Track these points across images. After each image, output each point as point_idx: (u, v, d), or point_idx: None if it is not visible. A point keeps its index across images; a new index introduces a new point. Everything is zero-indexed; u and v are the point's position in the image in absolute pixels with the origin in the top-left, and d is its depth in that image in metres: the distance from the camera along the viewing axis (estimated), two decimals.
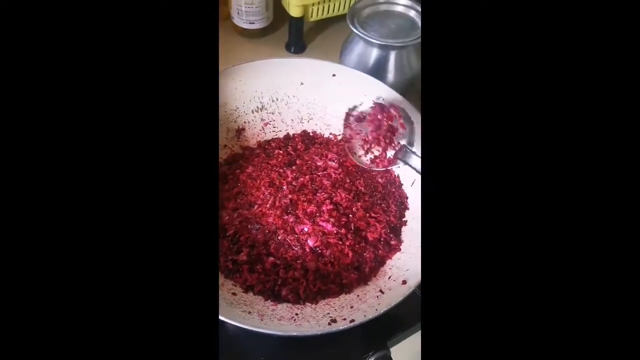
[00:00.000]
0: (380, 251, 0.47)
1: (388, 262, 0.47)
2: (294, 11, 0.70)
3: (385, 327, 0.47)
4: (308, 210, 0.47)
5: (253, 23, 0.73)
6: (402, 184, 0.52)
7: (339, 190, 0.49)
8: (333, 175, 0.50)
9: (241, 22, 0.73)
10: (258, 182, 0.49)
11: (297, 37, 0.74)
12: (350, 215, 0.47)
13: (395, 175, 0.53)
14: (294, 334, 0.38)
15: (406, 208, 0.51)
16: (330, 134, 0.56)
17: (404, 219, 0.50)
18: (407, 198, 0.52)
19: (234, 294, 0.43)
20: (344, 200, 0.48)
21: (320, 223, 0.46)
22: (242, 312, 0.41)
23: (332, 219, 0.46)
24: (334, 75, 0.53)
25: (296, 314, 0.42)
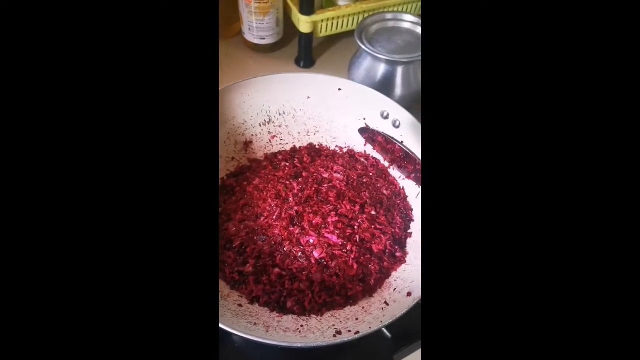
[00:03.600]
0: (385, 263, 0.47)
1: (393, 273, 0.47)
2: (304, 27, 0.72)
3: (392, 341, 0.47)
4: (313, 221, 0.47)
5: (263, 38, 0.75)
6: (407, 196, 0.53)
7: (344, 202, 0.49)
8: (338, 186, 0.50)
9: (252, 37, 0.75)
10: (264, 193, 0.50)
11: (306, 52, 0.76)
12: (356, 227, 0.48)
13: (400, 187, 0.54)
14: (299, 345, 0.38)
15: (411, 220, 0.51)
16: (336, 146, 0.57)
17: (408, 231, 0.50)
18: (411, 210, 0.52)
19: (239, 305, 0.44)
20: (349, 211, 0.48)
21: (326, 234, 0.47)
22: (247, 322, 0.41)
23: (337, 231, 0.47)
24: (339, 89, 0.54)
25: (301, 326, 0.42)
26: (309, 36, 0.74)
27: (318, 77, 0.55)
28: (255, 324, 0.41)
